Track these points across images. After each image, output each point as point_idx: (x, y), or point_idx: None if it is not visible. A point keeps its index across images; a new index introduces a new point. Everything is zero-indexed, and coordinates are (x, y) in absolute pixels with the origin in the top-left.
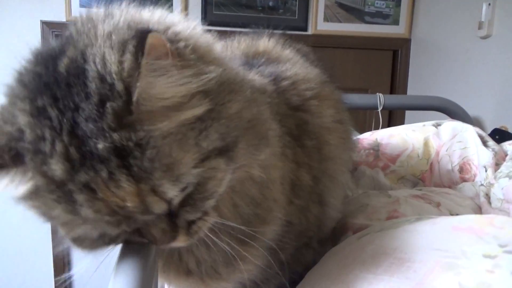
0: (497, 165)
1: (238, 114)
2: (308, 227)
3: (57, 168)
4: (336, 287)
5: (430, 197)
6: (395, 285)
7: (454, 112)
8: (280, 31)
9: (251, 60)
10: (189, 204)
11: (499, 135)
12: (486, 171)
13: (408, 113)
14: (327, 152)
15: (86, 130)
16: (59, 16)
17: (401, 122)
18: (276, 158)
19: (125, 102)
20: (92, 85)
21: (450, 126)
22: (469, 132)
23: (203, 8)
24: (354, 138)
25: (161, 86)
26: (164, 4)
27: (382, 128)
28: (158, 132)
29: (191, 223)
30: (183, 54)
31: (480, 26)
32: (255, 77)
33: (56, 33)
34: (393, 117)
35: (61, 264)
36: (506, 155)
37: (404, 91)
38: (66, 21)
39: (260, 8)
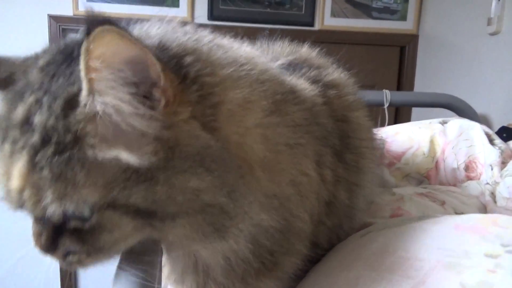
0: (504, 163)
1: (194, 191)
2: (335, 245)
3: (19, 111)
4: (338, 284)
5: (435, 195)
6: (397, 283)
7: (461, 109)
8: (287, 26)
9: (295, 64)
10: (75, 237)
11: (506, 133)
12: (492, 169)
13: (414, 110)
14: (362, 165)
15: (45, 99)
16: (66, 10)
17: (407, 118)
18: (309, 195)
19: (73, 97)
20: (72, 69)
21: (456, 124)
22: (476, 130)
23: (209, 3)
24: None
25: (107, 100)
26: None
27: (388, 124)
28: (80, 149)
29: (70, 253)
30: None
31: (489, 22)
32: (301, 82)
33: (63, 27)
34: (400, 114)
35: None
36: None
37: (411, 88)
38: (73, 15)
39: (267, 3)
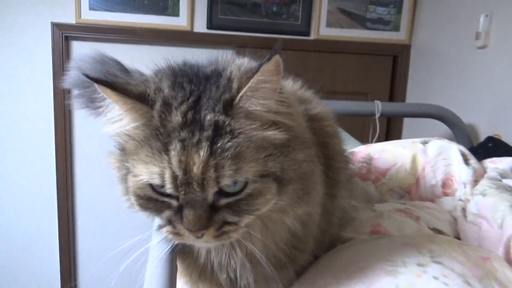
0: (476, 181)
1: (300, 163)
2: (325, 245)
3: (175, 119)
4: (313, 284)
5: (412, 211)
6: (356, 285)
7: (449, 120)
8: (284, 36)
9: None
10: (232, 208)
11: (492, 143)
12: (465, 187)
13: (406, 120)
14: (339, 180)
15: (204, 104)
16: (69, 18)
17: (399, 128)
18: (317, 206)
19: (232, 97)
20: (223, 81)
21: (436, 144)
22: (453, 151)
23: (208, 13)
24: (349, 151)
25: (261, 94)
26: (171, 7)
27: (380, 134)
28: (246, 132)
29: (224, 223)
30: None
31: (477, 37)
32: None
33: (66, 35)
34: (392, 124)
35: (68, 274)
36: (485, 172)
37: (403, 97)
38: (76, 23)
39: (264, 13)
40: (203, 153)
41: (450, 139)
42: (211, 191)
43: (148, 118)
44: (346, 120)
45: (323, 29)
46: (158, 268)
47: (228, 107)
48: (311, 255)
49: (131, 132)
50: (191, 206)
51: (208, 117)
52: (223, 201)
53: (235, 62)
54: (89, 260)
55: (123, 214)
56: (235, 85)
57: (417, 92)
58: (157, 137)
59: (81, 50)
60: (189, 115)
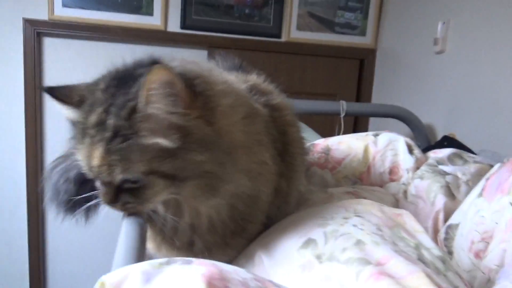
0: (418, 168)
1: (200, 163)
2: (277, 220)
3: (92, 119)
4: (260, 244)
5: (359, 193)
6: (293, 238)
7: (408, 119)
8: (256, 37)
9: (253, 92)
10: (132, 193)
11: (447, 142)
12: (408, 173)
13: (372, 120)
14: (295, 166)
15: (114, 109)
16: (42, 14)
17: (365, 127)
18: (267, 187)
19: (135, 104)
20: (134, 88)
21: (386, 136)
22: (400, 142)
23: (182, 13)
24: (310, 143)
25: (154, 107)
26: (145, 6)
27: (346, 132)
28: (138, 138)
29: (126, 203)
30: (196, 100)
31: (435, 42)
32: (259, 107)
33: (38, 31)
34: (359, 123)
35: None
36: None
37: (369, 98)
38: (49, 19)
39: (237, 14)
40: (100, 150)
41: (410, 138)
42: (108, 179)
43: (80, 116)
44: (315, 119)
45: (293, 32)
46: (130, 232)
47: (132, 113)
48: (262, 225)
49: (73, 125)
50: (103, 185)
51: (111, 121)
52: (126, 185)
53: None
54: (59, 254)
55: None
56: (140, 93)
57: (381, 93)
58: (81, 132)
59: (53, 46)
60: (102, 116)
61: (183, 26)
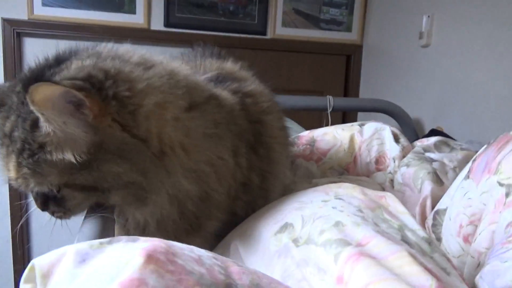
0: (404, 157)
1: (116, 174)
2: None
3: (7, 126)
4: (241, 230)
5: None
6: (271, 223)
7: (396, 113)
8: (241, 35)
9: (222, 77)
10: (57, 202)
11: (435, 135)
12: (394, 162)
13: (360, 115)
14: (273, 157)
15: (19, 119)
16: (21, 14)
17: (353, 122)
18: (225, 174)
19: (35, 120)
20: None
21: (372, 126)
22: (386, 131)
23: (165, 11)
24: (294, 136)
25: (56, 118)
26: (127, 4)
27: None
28: (43, 152)
29: (53, 211)
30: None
31: (420, 36)
32: (224, 93)
33: (17, 31)
34: (347, 118)
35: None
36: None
37: (356, 94)
38: (28, 19)
39: (221, 12)
40: (13, 163)
41: None
42: (28, 190)
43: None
44: (303, 114)
45: (279, 28)
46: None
47: (33, 127)
48: (220, 222)
49: None
50: (32, 193)
51: (16, 133)
52: (51, 194)
53: (69, 68)
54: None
55: None
56: (30, 98)
57: (369, 89)
58: (1, 139)
59: (33, 46)
60: (14, 125)
61: (166, 24)
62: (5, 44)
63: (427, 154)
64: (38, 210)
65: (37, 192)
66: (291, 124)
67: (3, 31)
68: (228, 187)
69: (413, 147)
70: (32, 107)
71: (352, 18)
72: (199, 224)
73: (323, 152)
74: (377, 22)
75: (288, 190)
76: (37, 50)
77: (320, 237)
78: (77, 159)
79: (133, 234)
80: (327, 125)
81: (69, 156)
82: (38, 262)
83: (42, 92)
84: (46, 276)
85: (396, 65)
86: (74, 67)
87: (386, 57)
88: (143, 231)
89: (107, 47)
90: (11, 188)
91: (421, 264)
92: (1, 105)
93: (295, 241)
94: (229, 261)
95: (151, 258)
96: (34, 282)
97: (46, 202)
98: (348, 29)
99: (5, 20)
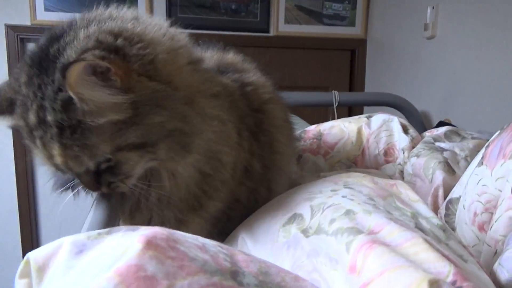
0: (413, 148)
1: (160, 124)
2: (256, 206)
3: (31, 118)
4: (250, 222)
5: None
6: (280, 215)
7: (403, 107)
8: (244, 33)
9: (223, 68)
10: (110, 172)
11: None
12: (404, 153)
13: (366, 109)
14: (276, 147)
15: (46, 103)
16: (24, 19)
17: None
18: (229, 148)
19: (68, 95)
20: (57, 75)
21: (379, 117)
22: (394, 122)
23: (167, 11)
24: (301, 130)
25: (90, 94)
26: (129, 6)
27: None
28: (86, 123)
29: (110, 183)
30: (130, 72)
31: (425, 28)
32: (227, 81)
33: (21, 36)
34: (353, 113)
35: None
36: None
37: (362, 88)
38: (31, 24)
39: (223, 11)
40: (56, 148)
41: None
42: (82, 169)
43: (19, 120)
44: (308, 110)
45: (281, 25)
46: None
47: (66, 105)
48: (222, 203)
49: (19, 131)
50: (80, 176)
51: (49, 117)
52: (103, 165)
53: (75, 40)
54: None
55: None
56: (67, 82)
57: (374, 83)
58: (29, 134)
59: None
60: (40, 113)
61: (169, 25)
62: (9, 50)
63: (437, 144)
64: (49, 207)
65: (87, 171)
66: (297, 120)
67: (7, 37)
68: (232, 166)
69: (422, 137)
70: (69, 92)
71: (355, 12)
72: (202, 203)
73: (331, 146)
74: (380, 15)
75: (294, 185)
76: None
77: (331, 226)
78: (120, 117)
79: (147, 212)
80: (333, 120)
81: (112, 117)
82: (33, 256)
83: (72, 74)
84: (42, 269)
85: (401, 58)
86: (82, 37)
87: (391, 50)
88: (150, 210)
89: (98, 11)
90: (19, 186)
91: (437, 250)
92: (12, 106)
93: (305, 231)
94: (235, 250)
95: (150, 244)
96: (30, 277)
97: (99, 179)
98: (352, 23)
99: (8, 26)
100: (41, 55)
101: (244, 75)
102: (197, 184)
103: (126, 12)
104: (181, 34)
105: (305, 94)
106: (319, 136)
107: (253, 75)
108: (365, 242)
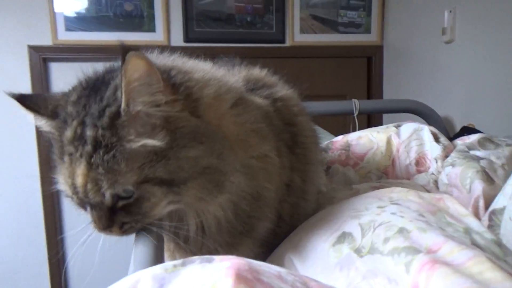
0: (446, 157)
1: (196, 159)
2: (299, 218)
3: (67, 134)
4: (285, 246)
5: (386, 187)
6: (326, 233)
7: (424, 113)
8: (260, 45)
9: (252, 85)
10: (128, 210)
11: (467, 132)
12: (436, 162)
13: (385, 116)
14: (309, 158)
15: (89, 119)
16: (45, 40)
17: (379, 124)
18: (272, 172)
19: (117, 108)
20: (108, 92)
21: (409, 126)
22: (425, 131)
23: (184, 26)
24: (328, 141)
25: (139, 102)
26: (147, 23)
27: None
28: (122, 145)
29: (123, 224)
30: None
31: (443, 32)
32: (257, 99)
33: (43, 56)
34: (372, 120)
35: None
36: (455, 148)
37: (380, 95)
38: (53, 44)
39: (239, 23)
40: (82, 167)
41: None
42: (98, 199)
43: (55, 132)
44: (327, 120)
45: (297, 35)
46: (144, 242)
47: (114, 119)
48: (271, 223)
49: (51, 139)
50: (93, 208)
51: (89, 133)
52: (120, 203)
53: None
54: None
55: None
56: (119, 92)
57: (393, 89)
58: (59, 149)
59: (59, 71)
60: (78, 130)
61: (186, 40)
62: (33, 70)
63: (472, 152)
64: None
65: (101, 204)
66: (321, 133)
67: (30, 58)
68: (276, 186)
69: (454, 145)
70: (126, 78)
71: (370, 19)
72: (251, 224)
73: (360, 157)
74: (396, 21)
75: (326, 198)
76: (62, 75)
77: (386, 245)
78: (157, 144)
79: (191, 240)
80: (354, 129)
81: (150, 142)
82: None
83: (137, 62)
84: None
85: (419, 63)
86: None
87: (408, 56)
88: (203, 235)
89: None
90: (45, 204)
91: (502, 269)
92: (55, 113)
93: (357, 251)
94: (304, 277)
95: (240, 278)
96: None
97: (112, 217)
98: (367, 30)
99: (31, 47)
100: (96, 80)
101: (273, 90)
102: (240, 213)
103: (170, 57)
104: (227, 79)
105: (324, 103)
106: (347, 147)
107: (281, 89)
108: (425, 262)
